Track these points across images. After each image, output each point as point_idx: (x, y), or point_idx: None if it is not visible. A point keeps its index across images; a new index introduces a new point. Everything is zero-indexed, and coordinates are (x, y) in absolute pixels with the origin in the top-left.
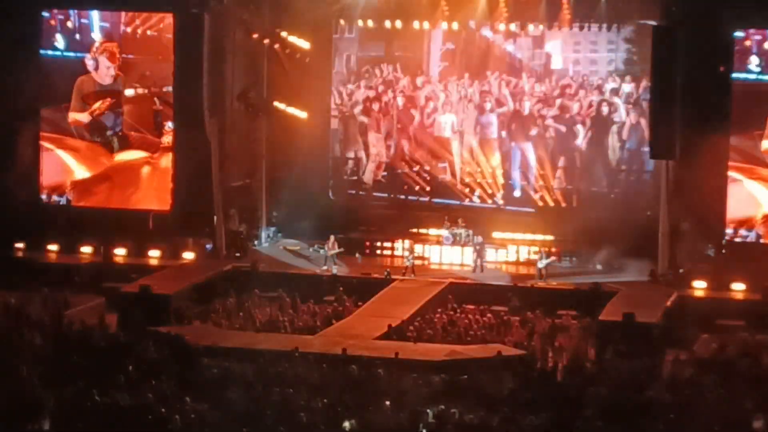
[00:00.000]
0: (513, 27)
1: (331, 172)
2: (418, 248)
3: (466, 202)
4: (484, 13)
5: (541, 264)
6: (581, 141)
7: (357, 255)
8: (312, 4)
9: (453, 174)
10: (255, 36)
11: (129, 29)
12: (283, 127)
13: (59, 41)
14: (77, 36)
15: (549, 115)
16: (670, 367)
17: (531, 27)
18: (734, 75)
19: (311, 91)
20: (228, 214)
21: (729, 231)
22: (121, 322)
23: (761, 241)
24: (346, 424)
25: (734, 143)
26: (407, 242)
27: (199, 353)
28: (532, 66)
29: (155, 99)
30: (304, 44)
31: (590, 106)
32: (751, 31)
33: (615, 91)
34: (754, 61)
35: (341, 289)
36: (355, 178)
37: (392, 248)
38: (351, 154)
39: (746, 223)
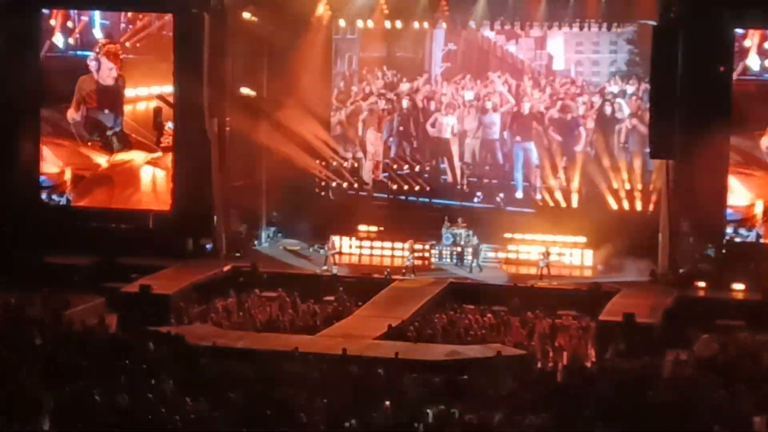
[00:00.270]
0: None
1: (331, 172)
2: (418, 248)
3: (466, 202)
4: (484, 12)
5: (541, 264)
6: (583, 141)
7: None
8: (312, 4)
9: (453, 174)
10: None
11: (129, 29)
12: (283, 127)
13: (59, 40)
14: (77, 35)
15: (550, 116)
16: (670, 367)
17: (531, 26)
18: (734, 75)
19: (311, 91)
20: (228, 214)
21: (729, 231)
22: (121, 322)
23: (761, 241)
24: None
25: (734, 143)
26: (407, 242)
27: (199, 353)
28: (534, 67)
29: (155, 99)
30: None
31: (592, 106)
32: (751, 30)
33: (616, 92)
34: (754, 61)
35: (341, 289)
36: (355, 178)
37: (392, 248)
38: (349, 155)
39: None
